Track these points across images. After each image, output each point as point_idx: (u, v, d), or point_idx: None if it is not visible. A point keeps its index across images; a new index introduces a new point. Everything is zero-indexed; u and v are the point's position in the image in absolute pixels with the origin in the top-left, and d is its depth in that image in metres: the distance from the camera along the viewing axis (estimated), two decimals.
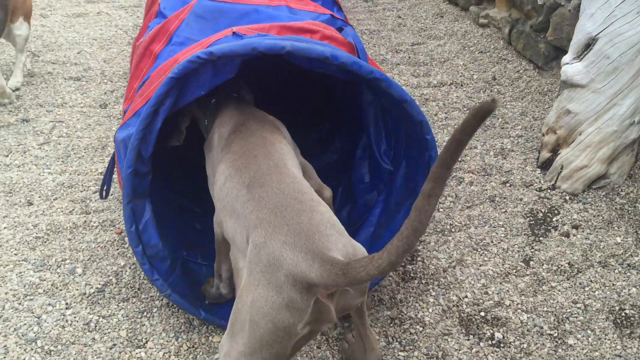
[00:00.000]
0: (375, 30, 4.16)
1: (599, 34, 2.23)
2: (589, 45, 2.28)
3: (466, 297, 1.97)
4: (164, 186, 2.25)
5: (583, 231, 2.24)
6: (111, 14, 4.26)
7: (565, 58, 2.38)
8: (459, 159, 2.67)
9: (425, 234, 2.26)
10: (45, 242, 2.17)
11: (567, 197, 2.43)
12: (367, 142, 2.31)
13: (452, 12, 4.39)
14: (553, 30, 3.17)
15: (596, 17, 2.24)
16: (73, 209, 2.34)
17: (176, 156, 2.49)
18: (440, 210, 2.40)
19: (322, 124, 2.68)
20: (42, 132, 2.83)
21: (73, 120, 2.94)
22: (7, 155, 2.65)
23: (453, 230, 2.29)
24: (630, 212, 2.32)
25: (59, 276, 2.02)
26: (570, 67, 2.33)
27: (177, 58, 1.80)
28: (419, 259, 2.15)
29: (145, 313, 1.90)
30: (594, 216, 2.31)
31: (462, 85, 3.37)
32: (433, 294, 2.00)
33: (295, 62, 1.63)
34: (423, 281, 2.05)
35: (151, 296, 1.97)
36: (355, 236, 2.09)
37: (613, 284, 2.00)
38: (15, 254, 2.10)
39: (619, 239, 2.18)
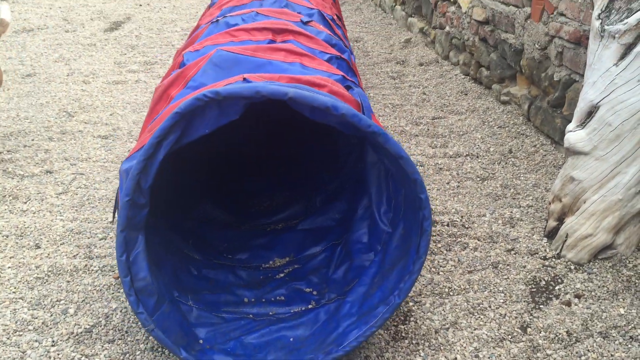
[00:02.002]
0: (399, 105, 4.25)
1: (600, 101, 2.23)
2: (591, 112, 2.28)
3: (455, 359, 1.90)
4: (168, 228, 2.30)
5: (586, 301, 2.15)
6: (148, 82, 4.50)
7: (569, 126, 2.38)
8: (466, 226, 2.65)
9: (422, 296, 2.22)
10: (45, 282, 2.22)
11: (572, 267, 2.35)
12: (368, 203, 2.32)
13: (476, 90, 4.46)
14: (568, 105, 3.18)
15: (598, 85, 2.25)
16: (77, 254, 2.40)
17: (186, 208, 2.57)
18: (440, 273, 2.35)
19: (327, 185, 2.72)
20: (62, 182, 2.96)
21: (93, 174, 3.06)
22: (26, 202, 2.76)
23: (451, 293, 2.24)
24: (637, 284, 2.22)
25: (51, 315, 2.05)
26: (574, 135, 2.33)
27: (187, 98, 1.88)
28: (412, 319, 2.10)
29: (128, 355, 1.90)
30: (599, 286, 2.22)
31: (477, 157, 3.37)
32: (422, 354, 1.93)
33: (298, 109, 1.68)
34: (414, 341, 1.99)
35: (137, 339, 1.97)
36: (347, 295, 2.07)
37: (612, 355, 1.89)
38: (13, 292, 2.15)
39: (622, 310, 2.08)
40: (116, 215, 1.96)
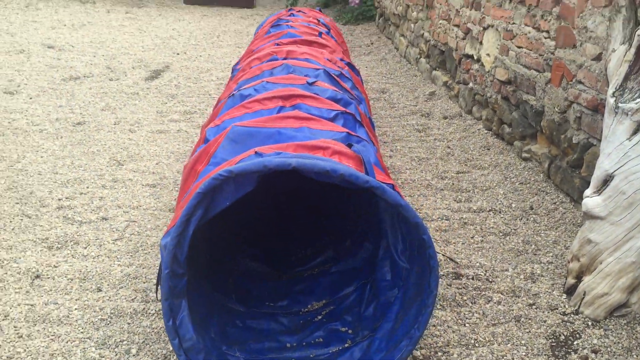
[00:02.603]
0: (425, 158, 4.50)
1: (615, 171, 2.46)
2: (606, 181, 2.50)
3: None
4: (212, 288, 2.54)
5: (602, 356, 2.34)
6: (189, 132, 4.81)
7: (587, 192, 2.60)
8: (490, 280, 2.86)
9: (449, 346, 2.41)
10: (108, 323, 2.46)
11: (590, 323, 2.54)
12: (386, 244, 2.55)
13: (498, 145, 4.70)
14: (586, 166, 3.40)
15: (612, 156, 2.48)
16: (135, 297, 2.65)
17: (227, 267, 2.81)
18: (467, 325, 2.55)
19: (353, 228, 2.94)
20: (117, 229, 3.23)
21: (145, 221, 3.33)
22: (85, 247, 3.03)
23: (477, 345, 2.43)
24: None
25: (116, 354, 2.29)
26: (591, 200, 2.54)
27: (210, 175, 2.15)
28: None
29: None
30: (614, 342, 2.41)
31: (500, 212, 3.59)
32: None
33: (304, 174, 1.93)
34: None
35: None
36: (377, 332, 2.28)
37: None
38: (81, 332, 2.40)
39: None
40: (159, 288, 2.21)
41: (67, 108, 5.17)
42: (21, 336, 2.35)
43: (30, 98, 5.36)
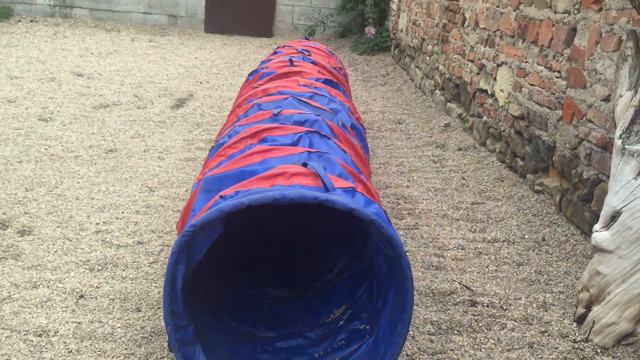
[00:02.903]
0: (440, 189, 4.69)
1: (622, 208, 2.64)
2: (614, 217, 2.68)
3: None
4: (238, 322, 2.74)
5: None
6: None
7: (596, 226, 2.79)
8: (504, 308, 3.03)
9: None
10: (149, 341, 2.66)
11: (599, 350, 2.70)
12: (373, 239, 2.68)
13: (511, 177, 4.89)
14: (596, 201, 3.58)
15: (620, 194, 2.67)
16: None
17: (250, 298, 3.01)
18: (482, 349, 2.72)
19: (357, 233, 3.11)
20: (152, 253, 3.44)
21: None
22: (124, 270, 3.24)
23: None
24: None
25: None
26: (599, 235, 2.73)
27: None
28: None
29: None
30: None
31: (513, 243, 3.77)
32: None
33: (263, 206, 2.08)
34: None
35: None
36: (380, 320, 2.47)
37: None
38: (125, 349, 2.60)
39: None
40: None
41: (99, 135, 5.43)
42: (71, 351, 2.55)
43: (64, 125, 5.64)
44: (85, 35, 10.77)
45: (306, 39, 6.79)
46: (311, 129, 3.02)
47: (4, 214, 3.75)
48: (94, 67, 8.27)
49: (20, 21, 11.48)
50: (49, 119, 5.77)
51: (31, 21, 11.62)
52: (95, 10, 12.21)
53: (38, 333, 2.66)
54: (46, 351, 2.54)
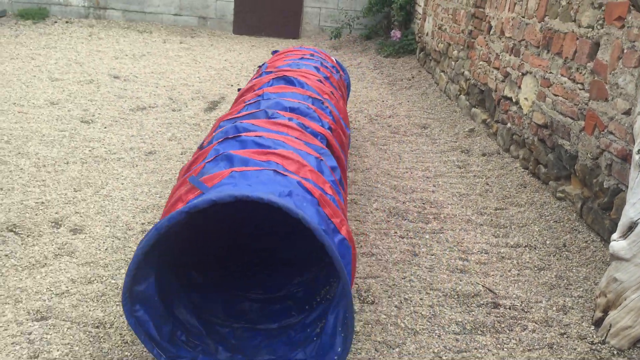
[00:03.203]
0: (465, 194, 4.88)
1: (639, 219, 2.81)
2: (631, 227, 2.85)
3: None
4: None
5: None
6: None
7: (614, 236, 2.96)
8: (525, 310, 3.22)
9: None
10: None
11: (615, 352, 2.88)
12: None
13: (534, 184, 5.05)
14: (616, 210, 3.74)
15: (637, 206, 2.84)
16: None
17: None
18: (505, 349, 2.92)
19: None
20: None
21: None
22: None
23: None
24: None
25: None
26: (617, 244, 2.90)
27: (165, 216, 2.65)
28: None
29: None
30: None
31: (535, 249, 3.95)
32: None
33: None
34: None
35: None
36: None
37: None
38: None
39: None
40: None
41: (139, 137, 5.71)
42: (126, 342, 2.81)
43: (105, 127, 5.93)
44: (118, 36, 11.11)
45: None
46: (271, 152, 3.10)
47: (56, 213, 4.03)
48: (129, 69, 8.58)
49: (56, 22, 11.88)
50: (90, 121, 6.07)
51: (66, 22, 12.01)
52: (128, 11, 12.56)
53: (96, 325, 2.92)
54: (104, 342, 2.80)
